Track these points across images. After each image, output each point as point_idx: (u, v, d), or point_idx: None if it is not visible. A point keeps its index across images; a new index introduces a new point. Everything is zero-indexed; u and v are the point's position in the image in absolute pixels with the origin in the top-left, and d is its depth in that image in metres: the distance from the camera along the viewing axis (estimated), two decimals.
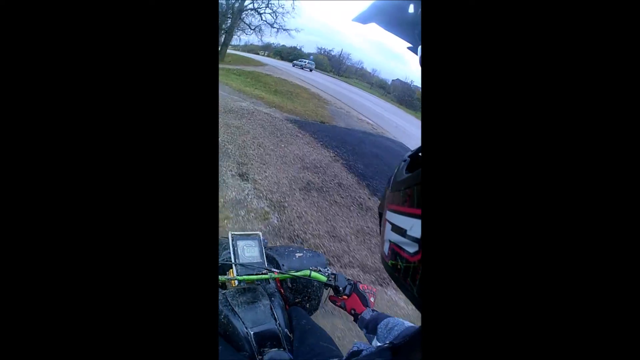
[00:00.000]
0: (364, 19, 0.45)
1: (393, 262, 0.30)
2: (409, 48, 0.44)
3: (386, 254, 0.32)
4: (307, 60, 23.81)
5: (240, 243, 0.83)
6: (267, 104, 6.26)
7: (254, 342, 0.71)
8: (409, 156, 0.35)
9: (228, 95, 5.98)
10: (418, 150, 0.34)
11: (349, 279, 0.86)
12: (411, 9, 0.40)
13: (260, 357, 0.70)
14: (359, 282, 0.86)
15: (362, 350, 0.46)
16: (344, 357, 0.47)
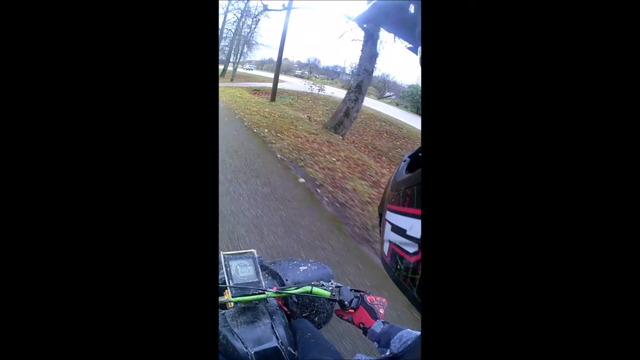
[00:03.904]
0: (364, 19, 0.45)
1: (392, 262, 0.30)
2: (409, 48, 0.44)
3: (386, 254, 0.32)
4: None
5: (233, 263, 0.78)
6: None
7: None
8: (409, 156, 0.35)
9: None
10: (418, 150, 0.34)
11: (356, 291, 0.80)
12: (411, 9, 0.40)
13: None
14: (367, 292, 0.79)
15: None
16: None
